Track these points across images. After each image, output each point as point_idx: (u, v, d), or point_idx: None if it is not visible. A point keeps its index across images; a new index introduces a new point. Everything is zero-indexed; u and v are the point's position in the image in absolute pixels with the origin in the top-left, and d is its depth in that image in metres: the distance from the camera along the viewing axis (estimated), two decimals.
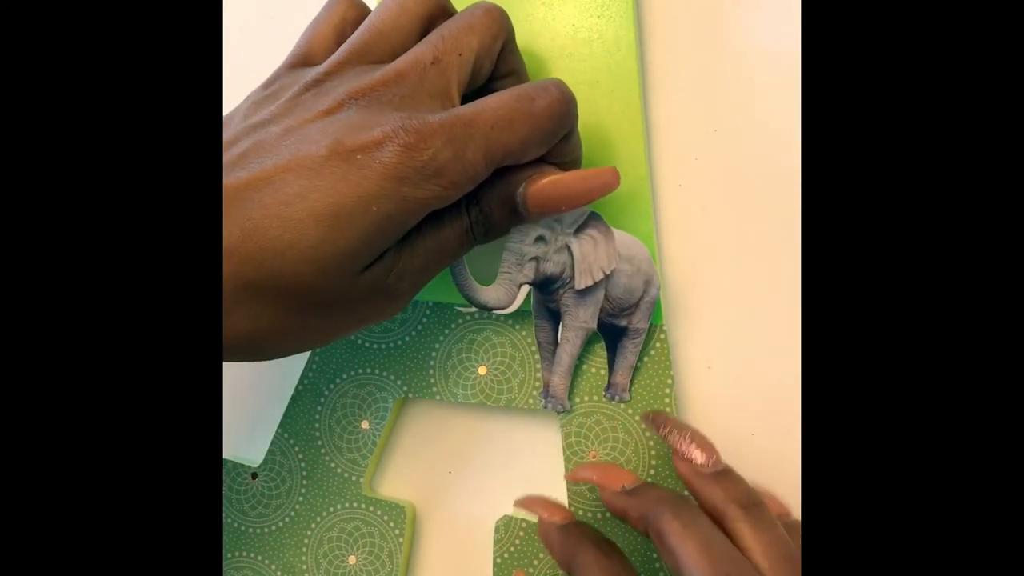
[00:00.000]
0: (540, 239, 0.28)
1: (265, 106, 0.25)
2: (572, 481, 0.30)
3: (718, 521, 0.25)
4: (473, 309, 0.30)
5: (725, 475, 0.25)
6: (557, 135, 0.26)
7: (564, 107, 0.25)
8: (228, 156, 0.24)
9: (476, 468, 0.32)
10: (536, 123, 0.24)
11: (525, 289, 0.29)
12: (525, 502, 0.29)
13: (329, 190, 0.22)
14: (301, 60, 0.27)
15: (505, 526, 0.30)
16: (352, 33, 0.27)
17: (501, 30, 0.26)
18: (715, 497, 0.25)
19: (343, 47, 0.26)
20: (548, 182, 0.26)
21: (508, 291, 0.28)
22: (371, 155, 0.22)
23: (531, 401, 0.30)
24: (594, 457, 0.30)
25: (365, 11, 0.28)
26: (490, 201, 0.26)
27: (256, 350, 0.24)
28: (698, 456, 0.26)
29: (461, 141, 0.23)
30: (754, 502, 0.25)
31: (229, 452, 0.33)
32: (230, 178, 0.23)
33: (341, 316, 0.25)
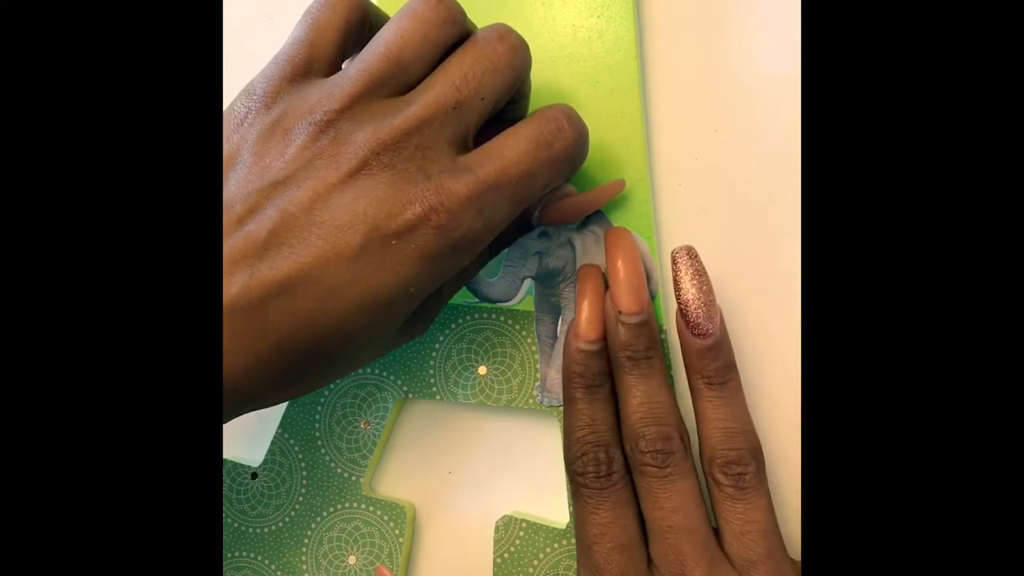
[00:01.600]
0: (544, 234, 0.29)
1: (275, 146, 0.23)
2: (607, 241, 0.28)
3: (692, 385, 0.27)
4: (478, 301, 0.30)
5: (712, 347, 0.26)
6: (574, 172, 0.26)
7: (580, 145, 0.25)
8: (256, 227, 0.22)
9: (476, 468, 0.32)
10: (556, 167, 0.25)
11: (528, 282, 0.29)
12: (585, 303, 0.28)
13: (370, 279, 0.22)
14: (303, 68, 0.24)
15: (505, 526, 0.30)
16: (356, 41, 0.25)
17: (523, 68, 0.25)
18: (691, 365, 0.27)
19: (356, 73, 0.24)
20: (562, 205, 0.27)
21: (512, 284, 0.29)
22: (406, 240, 0.23)
23: (531, 401, 0.30)
24: None
25: (369, 16, 0.26)
26: (509, 228, 0.27)
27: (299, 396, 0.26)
28: (692, 315, 0.26)
29: (490, 208, 0.23)
30: (719, 381, 0.26)
31: (229, 452, 0.33)
32: (270, 266, 0.22)
33: (369, 359, 0.26)
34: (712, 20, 0.30)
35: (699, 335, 0.26)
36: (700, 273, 0.26)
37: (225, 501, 0.32)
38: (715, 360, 0.26)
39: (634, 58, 0.29)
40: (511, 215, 0.24)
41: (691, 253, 0.26)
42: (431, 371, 0.31)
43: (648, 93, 0.30)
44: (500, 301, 0.30)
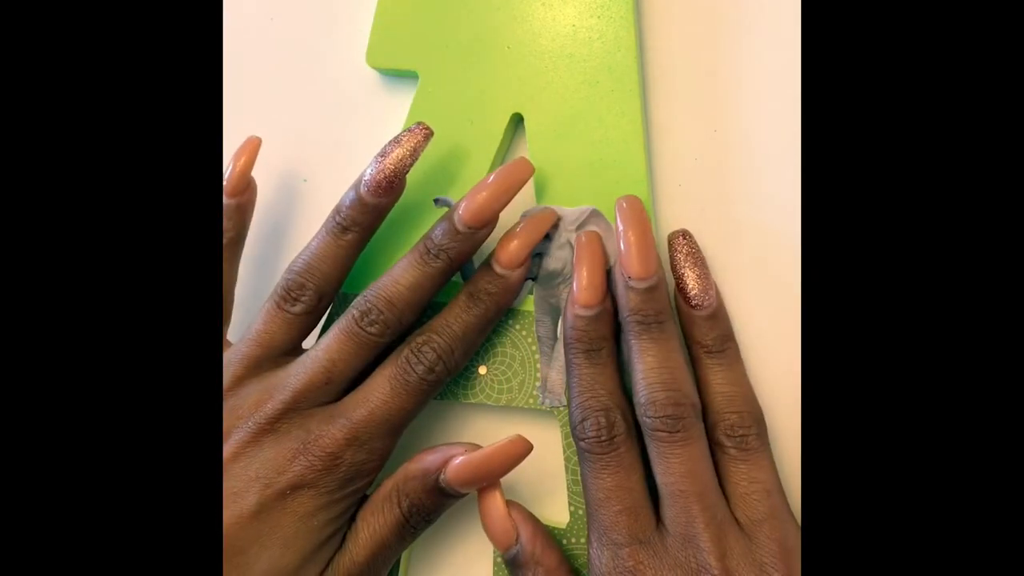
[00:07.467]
0: (545, 236, 0.29)
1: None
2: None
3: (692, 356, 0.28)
4: None
5: (709, 317, 0.28)
6: (437, 389, 0.28)
7: (440, 369, 0.27)
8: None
9: None
10: (418, 393, 0.27)
11: (528, 284, 0.29)
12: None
13: (275, 527, 0.26)
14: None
15: None
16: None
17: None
18: (690, 336, 0.28)
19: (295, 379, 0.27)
20: (466, 465, 0.27)
21: None
22: (299, 489, 0.26)
23: (531, 401, 0.30)
24: None
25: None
26: (419, 494, 0.27)
27: None
28: (689, 289, 0.28)
29: (370, 441, 0.27)
30: (718, 349, 0.28)
31: None
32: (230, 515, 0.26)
33: None
34: (712, 20, 0.30)
35: (696, 307, 0.28)
36: (694, 252, 0.28)
37: None
38: (713, 329, 0.28)
39: (634, 58, 0.29)
40: (394, 443, 0.28)
41: (686, 235, 0.29)
42: None
43: (648, 93, 0.30)
44: None
